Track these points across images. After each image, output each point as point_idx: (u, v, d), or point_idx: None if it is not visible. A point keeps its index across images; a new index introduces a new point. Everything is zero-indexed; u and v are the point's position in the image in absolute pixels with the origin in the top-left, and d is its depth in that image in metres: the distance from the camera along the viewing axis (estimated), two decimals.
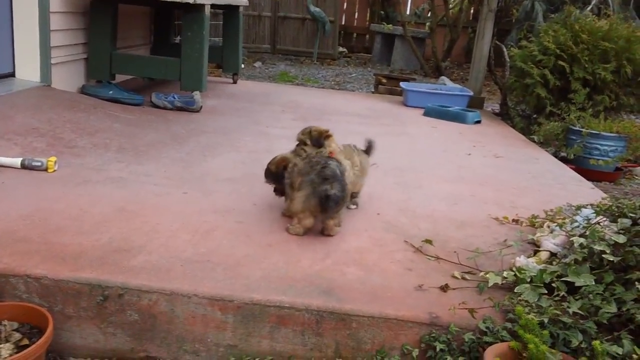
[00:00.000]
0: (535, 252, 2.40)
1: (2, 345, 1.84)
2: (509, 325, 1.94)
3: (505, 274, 2.15)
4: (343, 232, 2.58)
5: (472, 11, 11.16)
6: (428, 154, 4.31)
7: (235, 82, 6.96)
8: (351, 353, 2.01)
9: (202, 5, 4.89)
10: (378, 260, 2.34)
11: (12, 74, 4.55)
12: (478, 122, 5.71)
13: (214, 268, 2.14)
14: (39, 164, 3.03)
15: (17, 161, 3.04)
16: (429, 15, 11.39)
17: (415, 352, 1.95)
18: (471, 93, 6.45)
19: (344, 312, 1.97)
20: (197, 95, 4.99)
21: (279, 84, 8.22)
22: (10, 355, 1.79)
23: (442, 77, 7.90)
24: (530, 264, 2.18)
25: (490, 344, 1.89)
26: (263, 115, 5.19)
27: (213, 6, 5.56)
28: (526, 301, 1.98)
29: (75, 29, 4.97)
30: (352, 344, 2.00)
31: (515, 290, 2.06)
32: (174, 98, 5.01)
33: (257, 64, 10.06)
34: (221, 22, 6.99)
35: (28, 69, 4.56)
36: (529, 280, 2.08)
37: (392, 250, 2.46)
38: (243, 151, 3.84)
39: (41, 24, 4.47)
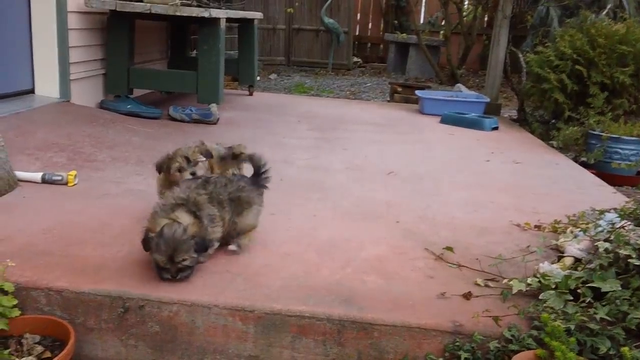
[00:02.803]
0: (559, 258, 2.36)
1: (25, 359, 1.84)
2: (534, 332, 1.90)
3: (529, 280, 2.11)
4: (362, 240, 2.57)
5: (486, 18, 11.12)
6: (446, 161, 4.29)
7: (251, 94, 6.98)
8: None
9: (218, 19, 4.92)
10: (398, 268, 2.32)
11: (32, 91, 4.61)
12: (495, 128, 5.67)
13: (233, 278, 2.13)
14: (59, 178, 3.06)
15: (37, 176, 3.07)
16: (442, 23, 11.36)
17: None
18: (488, 100, 6.41)
19: (365, 322, 1.95)
20: (214, 107, 5.02)
21: (294, 95, 8.24)
22: None
23: (458, 85, 7.86)
24: (555, 270, 2.14)
25: (516, 352, 1.86)
26: (279, 126, 5.20)
27: (228, 20, 5.59)
28: (552, 308, 1.95)
29: (93, 45, 5.03)
30: (374, 354, 1.97)
31: (540, 297, 2.02)
32: (191, 111, 5.04)
33: (273, 76, 10.10)
34: (236, 36, 7.02)
35: (47, 85, 4.61)
36: (553, 286, 2.04)
37: (413, 258, 2.43)
38: None
39: (60, 40, 4.52)
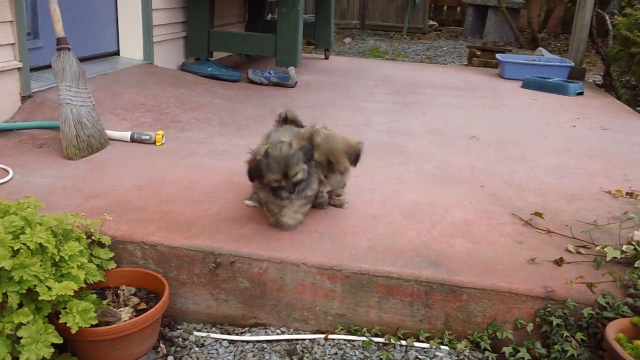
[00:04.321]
0: None
1: (122, 309, 1.93)
2: (630, 300, 1.86)
3: (624, 248, 2.04)
4: (447, 204, 2.54)
5: None
6: (530, 125, 4.15)
7: (327, 58, 6.95)
8: (461, 326, 1.98)
9: None
10: (486, 233, 2.28)
11: (117, 53, 4.74)
12: (580, 93, 5.42)
13: (320, 238, 2.15)
14: (148, 137, 3.15)
15: (126, 135, 3.18)
16: None
17: (530, 327, 1.90)
18: (572, 64, 6.13)
19: (454, 284, 1.94)
20: (292, 70, 5.03)
21: (369, 59, 8.14)
22: (130, 318, 1.87)
23: (540, 49, 7.56)
24: None
25: (610, 319, 1.81)
26: (357, 90, 5.16)
27: None
28: None
29: (175, 7, 5.09)
30: (462, 317, 1.96)
31: (635, 265, 1.95)
32: (270, 74, 5.06)
33: (347, 40, 10.00)
34: None
35: (131, 48, 4.73)
36: None
37: (500, 222, 2.39)
38: (340, 125, 3.82)
39: (143, 3, 4.60)
